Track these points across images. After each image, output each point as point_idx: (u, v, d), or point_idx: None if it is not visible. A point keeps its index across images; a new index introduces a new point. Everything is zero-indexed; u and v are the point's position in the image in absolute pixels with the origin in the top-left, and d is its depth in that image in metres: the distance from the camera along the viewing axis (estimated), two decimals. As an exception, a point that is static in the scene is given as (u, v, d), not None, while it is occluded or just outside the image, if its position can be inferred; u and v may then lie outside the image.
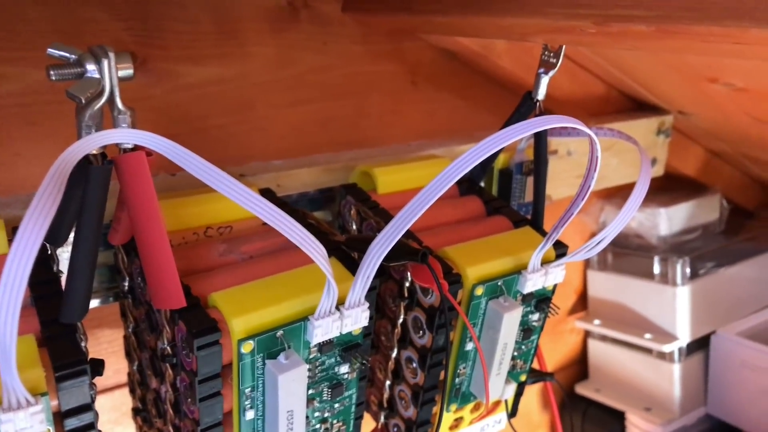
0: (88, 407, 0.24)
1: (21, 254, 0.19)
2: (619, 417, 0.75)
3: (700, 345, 0.72)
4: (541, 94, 0.39)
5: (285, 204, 0.35)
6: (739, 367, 0.70)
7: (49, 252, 0.30)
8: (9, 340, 0.20)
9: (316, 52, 0.51)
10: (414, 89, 0.57)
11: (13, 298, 0.19)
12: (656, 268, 0.70)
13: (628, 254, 0.73)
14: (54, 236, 0.28)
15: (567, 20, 0.30)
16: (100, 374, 0.26)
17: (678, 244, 0.72)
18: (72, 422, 0.24)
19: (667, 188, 0.75)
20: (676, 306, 0.69)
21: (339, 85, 0.53)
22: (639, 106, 0.64)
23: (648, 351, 0.72)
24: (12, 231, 0.30)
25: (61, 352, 0.24)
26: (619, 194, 0.73)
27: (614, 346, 0.75)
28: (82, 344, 0.26)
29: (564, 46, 0.37)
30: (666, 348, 0.69)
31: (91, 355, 0.26)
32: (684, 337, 0.69)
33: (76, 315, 0.25)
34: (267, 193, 0.37)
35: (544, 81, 0.38)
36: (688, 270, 0.69)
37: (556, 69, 0.37)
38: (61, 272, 0.31)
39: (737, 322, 0.73)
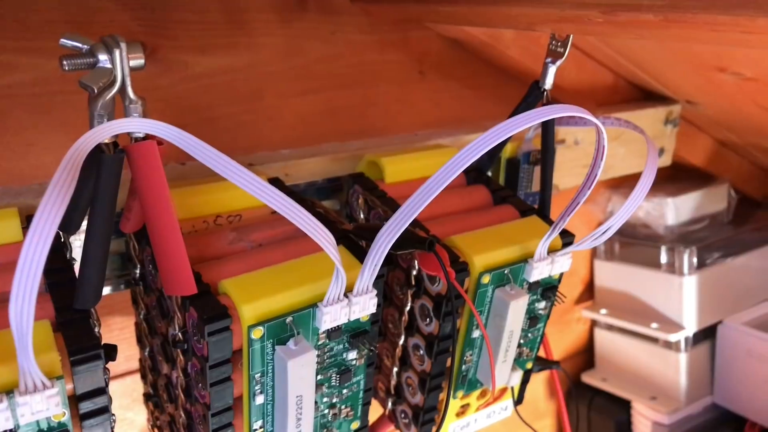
0: (102, 391, 0.25)
1: (37, 242, 0.19)
2: (625, 406, 0.76)
3: (707, 334, 0.72)
4: (549, 83, 0.39)
5: (293, 193, 0.36)
6: (745, 357, 0.70)
7: (62, 240, 0.31)
8: (26, 325, 0.20)
9: (323, 41, 0.51)
10: (421, 79, 0.57)
11: (29, 284, 0.19)
12: (663, 258, 0.70)
13: (635, 244, 0.73)
14: (67, 224, 0.28)
15: (574, 9, 0.30)
16: (113, 359, 0.27)
17: (685, 234, 0.72)
18: (87, 405, 0.25)
19: (675, 178, 0.75)
20: (682, 295, 0.69)
21: (346, 75, 0.53)
22: (647, 96, 0.64)
23: (654, 340, 0.72)
24: (26, 219, 0.30)
25: (76, 337, 0.24)
26: (626, 184, 0.73)
27: (621, 336, 0.76)
28: (96, 330, 0.27)
29: (571, 36, 0.37)
30: (672, 337, 0.69)
31: (103, 342, 0.26)
32: (690, 327, 0.70)
33: (89, 301, 0.26)
34: (276, 182, 0.37)
35: (552, 70, 0.39)
36: (695, 260, 0.69)
37: (564, 58, 0.38)
38: (74, 260, 0.31)
39: (744, 312, 0.73)
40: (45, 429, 0.24)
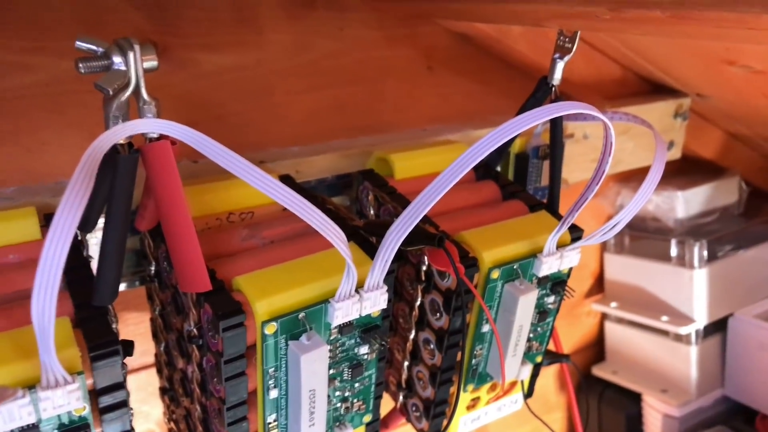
0: (120, 385, 0.25)
1: (57, 241, 0.20)
2: (635, 399, 0.76)
3: (718, 327, 0.72)
4: (557, 78, 0.39)
5: (304, 190, 0.36)
6: (756, 350, 0.70)
7: (79, 238, 0.31)
8: (47, 322, 0.21)
9: (332, 38, 0.51)
10: (429, 74, 0.57)
11: (50, 282, 0.20)
12: (673, 251, 0.70)
13: (645, 237, 0.73)
14: (84, 223, 0.29)
15: (581, 6, 0.30)
16: (131, 354, 0.27)
17: (695, 227, 0.72)
18: (106, 399, 0.25)
19: (685, 171, 0.75)
20: (693, 288, 0.69)
21: (355, 71, 0.53)
22: (656, 89, 0.64)
23: (665, 333, 0.72)
24: (44, 218, 0.31)
25: (95, 334, 0.25)
26: (635, 177, 0.72)
27: (631, 329, 0.76)
28: (113, 326, 0.28)
29: (579, 32, 0.37)
30: (683, 330, 0.69)
31: (120, 338, 0.27)
32: (701, 320, 0.70)
33: (107, 298, 0.26)
34: (286, 180, 0.37)
35: (560, 66, 0.39)
36: (705, 253, 0.69)
37: (572, 54, 0.38)
38: (91, 257, 0.32)
39: (755, 305, 0.72)
40: (66, 423, 0.25)
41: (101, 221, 0.27)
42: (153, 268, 0.34)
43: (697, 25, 0.27)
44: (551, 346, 0.42)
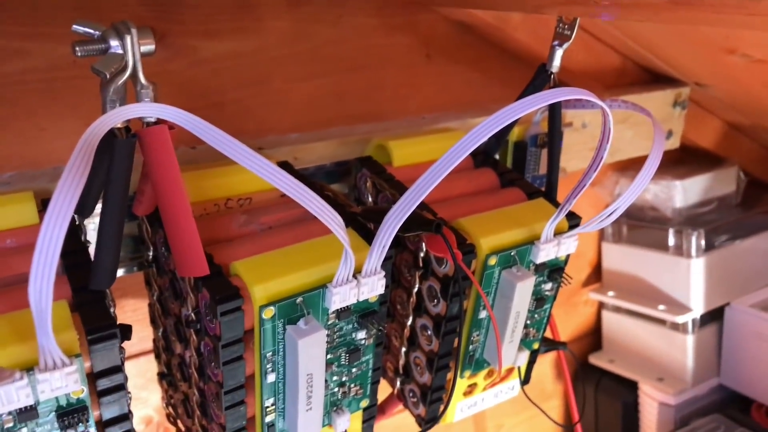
0: (118, 369, 0.25)
1: (54, 223, 0.20)
2: (632, 387, 0.76)
3: (714, 316, 0.72)
4: (556, 66, 0.39)
5: (302, 177, 0.36)
6: (752, 339, 0.70)
7: (77, 223, 0.31)
8: (45, 305, 0.21)
9: (330, 25, 0.51)
10: (428, 62, 0.57)
11: (48, 265, 0.20)
12: (671, 240, 0.70)
13: (643, 226, 0.74)
14: (82, 208, 0.29)
15: (581, -8, 0.30)
16: (129, 338, 0.27)
17: (693, 217, 0.72)
18: (104, 383, 0.25)
19: (684, 161, 0.75)
20: (690, 278, 0.69)
21: (354, 59, 0.53)
22: (655, 78, 0.64)
23: (662, 322, 0.73)
24: (41, 203, 0.31)
25: (93, 317, 0.25)
26: (634, 166, 0.72)
27: (628, 318, 0.76)
28: (111, 310, 0.28)
29: (578, 19, 0.37)
30: (680, 319, 0.70)
31: (118, 322, 0.27)
32: (698, 309, 0.70)
33: (105, 282, 0.27)
34: (285, 166, 0.37)
35: (559, 53, 0.39)
36: (702, 242, 0.69)
37: (571, 41, 0.38)
38: (89, 242, 0.32)
39: (751, 294, 0.73)
40: (64, 405, 0.25)
41: (99, 206, 0.27)
42: (151, 254, 0.34)
43: (696, 10, 0.27)
44: (548, 334, 0.42)
